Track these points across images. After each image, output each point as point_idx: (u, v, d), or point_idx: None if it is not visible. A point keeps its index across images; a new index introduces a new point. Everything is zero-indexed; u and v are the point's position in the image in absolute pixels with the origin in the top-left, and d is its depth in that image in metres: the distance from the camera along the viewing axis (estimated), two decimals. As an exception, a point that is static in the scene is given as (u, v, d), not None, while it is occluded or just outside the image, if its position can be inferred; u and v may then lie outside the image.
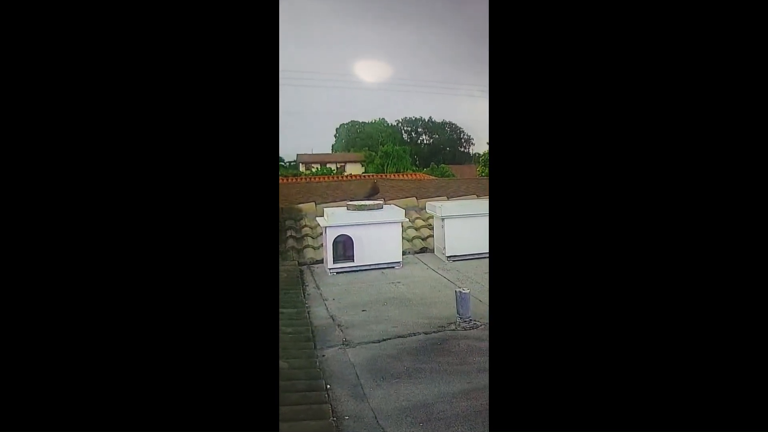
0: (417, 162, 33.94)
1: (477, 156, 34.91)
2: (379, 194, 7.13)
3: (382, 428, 2.22)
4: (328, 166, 28.88)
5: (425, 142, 44.14)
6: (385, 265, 5.32)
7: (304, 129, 43.31)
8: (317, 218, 5.73)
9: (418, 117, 44.06)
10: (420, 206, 6.82)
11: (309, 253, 5.89)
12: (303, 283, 4.82)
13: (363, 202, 5.65)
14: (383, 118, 40.88)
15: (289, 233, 6.26)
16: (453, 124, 44.08)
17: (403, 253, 5.62)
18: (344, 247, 5.24)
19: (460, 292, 3.59)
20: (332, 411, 2.32)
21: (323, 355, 3.05)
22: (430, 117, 43.98)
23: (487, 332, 2.86)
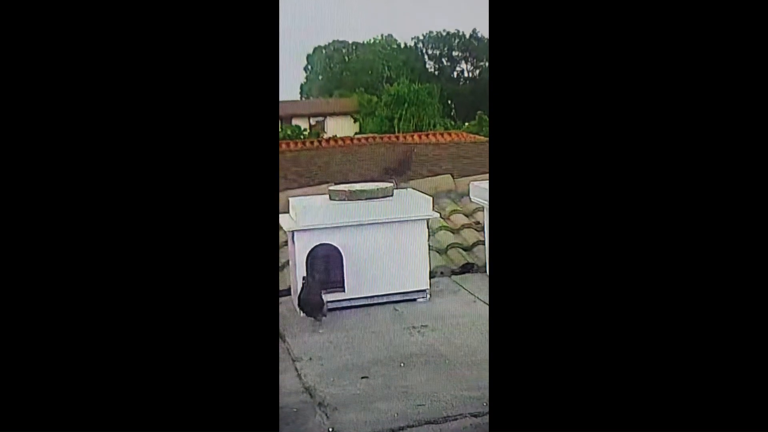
0: (453, 111, 22.15)
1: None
2: (407, 169, 4.95)
3: None
4: (294, 123, 19.11)
5: (466, 75, 26.84)
6: (401, 297, 3.56)
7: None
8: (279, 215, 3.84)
9: (452, 32, 26.39)
10: (459, 190, 5.10)
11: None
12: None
13: (360, 186, 3.71)
14: (390, 35, 25.57)
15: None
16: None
17: (433, 275, 3.81)
18: (327, 266, 3.42)
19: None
20: None
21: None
22: (475, 30, 25.96)
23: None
